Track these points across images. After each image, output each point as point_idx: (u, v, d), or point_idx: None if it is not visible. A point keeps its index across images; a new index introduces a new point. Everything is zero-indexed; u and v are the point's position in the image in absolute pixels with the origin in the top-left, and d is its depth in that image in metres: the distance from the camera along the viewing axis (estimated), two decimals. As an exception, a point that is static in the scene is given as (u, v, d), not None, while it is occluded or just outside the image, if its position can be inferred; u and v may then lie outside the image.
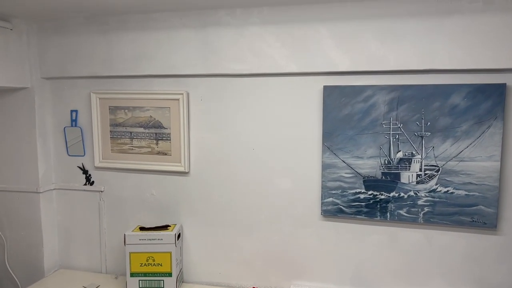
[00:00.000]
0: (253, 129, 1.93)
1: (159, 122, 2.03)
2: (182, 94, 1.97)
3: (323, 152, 1.85)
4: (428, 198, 1.75)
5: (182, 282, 2.06)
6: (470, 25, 1.62)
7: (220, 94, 1.95)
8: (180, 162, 2.01)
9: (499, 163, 1.65)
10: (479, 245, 1.72)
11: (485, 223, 1.69)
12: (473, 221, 1.70)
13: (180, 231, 2.03)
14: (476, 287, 1.74)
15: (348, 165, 1.83)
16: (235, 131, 1.95)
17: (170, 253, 1.93)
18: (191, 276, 2.08)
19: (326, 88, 1.81)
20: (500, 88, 1.63)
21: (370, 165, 1.80)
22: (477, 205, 1.70)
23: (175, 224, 2.03)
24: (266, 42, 1.83)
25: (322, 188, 1.87)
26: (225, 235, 2.02)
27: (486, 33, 1.61)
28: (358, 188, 1.83)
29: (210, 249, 2.05)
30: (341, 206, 1.85)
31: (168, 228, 1.99)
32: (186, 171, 2.02)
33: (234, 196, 1.99)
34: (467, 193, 1.70)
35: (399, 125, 1.75)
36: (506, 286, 1.71)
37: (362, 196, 1.83)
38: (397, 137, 1.76)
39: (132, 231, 1.97)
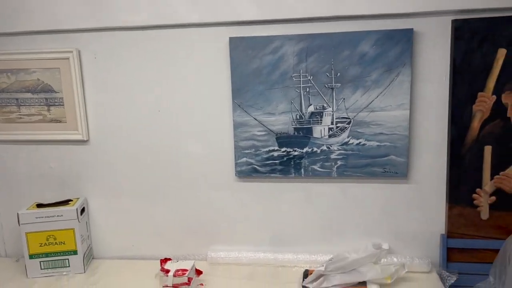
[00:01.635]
0: (157, 89, 1.76)
1: (49, 85, 1.78)
2: (72, 52, 1.73)
3: (234, 110, 1.73)
4: (341, 151, 1.70)
5: (92, 258, 1.90)
6: (376, -33, 1.54)
7: (116, 50, 1.74)
8: (77, 130, 1.80)
9: (408, 111, 1.63)
10: (392, 194, 1.72)
11: (396, 173, 1.68)
12: (385, 171, 1.69)
13: (84, 205, 1.85)
14: (390, 235, 1.75)
15: (260, 122, 1.72)
16: (137, 91, 1.77)
17: (73, 229, 1.75)
18: (102, 252, 1.93)
19: (232, 40, 1.67)
20: (408, 34, 1.57)
21: (282, 121, 1.71)
22: (389, 155, 1.68)
23: (78, 198, 1.84)
24: (162, -11, 1.64)
25: (235, 148, 1.76)
26: (135, 205, 1.87)
27: (392, -25, 1.54)
28: (271, 146, 1.74)
29: (120, 222, 1.89)
30: (255, 166, 1.77)
31: (69, 203, 1.80)
32: (85, 139, 1.81)
33: (141, 164, 1.83)
34: (378, 143, 1.67)
35: (309, 78, 1.66)
36: (418, 231, 1.74)
37: (275, 153, 1.75)
38: (307, 90, 1.68)
39: (27, 209, 1.76)
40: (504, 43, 1.53)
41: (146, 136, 1.80)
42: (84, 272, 1.79)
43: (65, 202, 1.81)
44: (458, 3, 1.53)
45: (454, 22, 1.55)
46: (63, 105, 1.79)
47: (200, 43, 1.70)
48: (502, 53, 1.54)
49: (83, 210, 1.82)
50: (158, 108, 1.77)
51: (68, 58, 1.74)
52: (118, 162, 1.84)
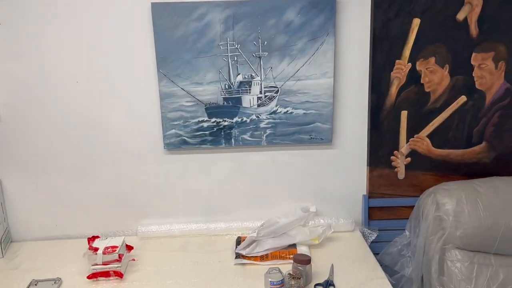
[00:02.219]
0: (74, 58, 1.63)
1: None
2: (-29, 16, 1.55)
3: (160, 80, 1.66)
4: (270, 120, 1.73)
5: (11, 242, 1.78)
6: None
7: (25, 14, 1.58)
8: (-16, 104, 1.64)
9: (332, 79, 1.68)
10: (318, 159, 1.79)
11: (322, 139, 1.75)
12: (311, 138, 1.75)
13: (-2, 186, 1.71)
14: (317, 198, 1.84)
15: (188, 92, 1.68)
16: (51, 60, 1.63)
17: (-13, 213, 1.62)
18: (22, 234, 1.80)
19: (155, 6, 1.58)
20: (331, 2, 1.60)
21: (211, 91, 1.69)
22: (314, 123, 1.74)
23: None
24: None
25: (162, 120, 1.71)
26: (57, 183, 1.76)
27: None
28: (200, 116, 1.71)
29: (40, 201, 1.77)
30: (184, 137, 1.73)
31: (-20, 184, 1.65)
32: (-6, 114, 1.66)
33: (61, 140, 1.71)
34: (305, 111, 1.72)
35: (236, 46, 1.64)
36: (342, 193, 1.84)
37: (205, 124, 1.72)
38: (235, 59, 1.66)
39: None
40: (419, 13, 1.63)
41: (64, 109, 1.68)
42: (3, 256, 1.67)
43: (-25, 184, 1.65)
44: (377, -27, 1.59)
45: (374, -8, 1.61)
46: (-36, 76, 1.60)
47: (121, 8, 1.59)
48: (416, 22, 1.64)
49: (-4, 191, 1.68)
50: (76, 78, 1.65)
51: (-33, 24, 1.55)
52: (35, 139, 1.70)
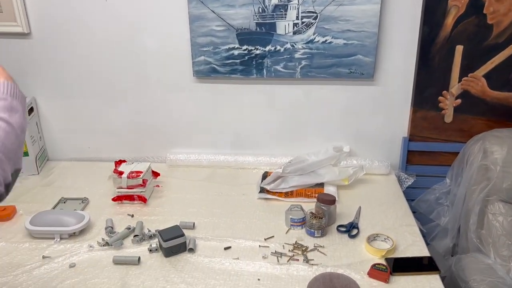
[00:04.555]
0: (102, -25, 1.56)
1: (-23, -32, 1.56)
2: None
3: (189, 1, 1.56)
4: (306, 50, 1.58)
5: (47, 160, 1.84)
6: None
7: None
8: (15, 21, 1.61)
9: (379, 5, 1.49)
10: (356, 96, 1.65)
11: (362, 74, 1.59)
12: (351, 72, 1.60)
13: (33, 105, 1.74)
14: (352, 138, 1.72)
15: (218, 15, 1.57)
16: (79, -23, 1.57)
17: (22, 130, 1.66)
18: (57, 154, 1.85)
19: None
20: None
21: (243, 15, 1.56)
22: (356, 55, 1.57)
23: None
24: None
25: (192, 45, 1.62)
26: (89, 106, 1.76)
27: None
28: (231, 43, 1.60)
29: (74, 123, 1.80)
30: (214, 65, 1.64)
31: None
32: (26, 32, 1.63)
33: (91, 61, 1.68)
34: (345, 42, 1.56)
35: (273, -36, 1.49)
36: (380, 134, 1.71)
37: (236, 52, 1.62)
38: (271, -22, 1.51)
39: (-31, 109, 1.65)
40: None
41: (94, 29, 1.63)
42: (38, 173, 1.74)
43: (10, 102, 1.68)
44: None
45: None
46: (-4, -8, 1.58)
47: None
48: None
49: (31, 110, 1.71)
50: (105, -2, 1.59)
51: None
52: (66, 58, 1.69)
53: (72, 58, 1.68)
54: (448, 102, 1.60)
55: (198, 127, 1.77)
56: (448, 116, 1.62)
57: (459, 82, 1.56)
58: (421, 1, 1.49)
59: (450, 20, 1.49)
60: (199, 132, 1.78)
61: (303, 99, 1.68)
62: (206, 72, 1.66)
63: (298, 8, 1.53)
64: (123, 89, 1.72)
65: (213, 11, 1.56)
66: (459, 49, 1.52)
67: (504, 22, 1.46)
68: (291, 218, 1.36)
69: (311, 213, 1.36)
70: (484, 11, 1.46)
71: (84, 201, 1.53)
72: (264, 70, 1.64)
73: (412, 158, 1.70)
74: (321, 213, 1.35)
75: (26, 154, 1.69)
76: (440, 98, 1.60)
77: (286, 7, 1.54)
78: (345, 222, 1.39)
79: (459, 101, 1.59)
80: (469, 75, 1.55)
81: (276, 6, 1.54)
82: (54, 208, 1.50)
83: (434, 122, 1.63)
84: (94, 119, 1.79)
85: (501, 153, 1.43)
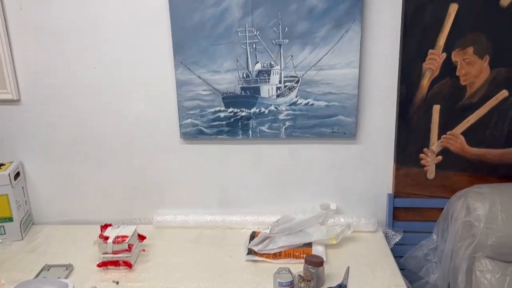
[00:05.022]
0: (92, 43, 1.61)
1: (-30, 39, 1.61)
2: (-7, 2, 1.56)
3: (176, 67, 1.61)
4: (289, 111, 1.64)
5: (32, 224, 1.82)
6: None
7: (45, 0, 1.58)
8: (5, 89, 1.65)
9: (357, 69, 1.57)
10: (340, 154, 1.69)
11: (345, 133, 1.64)
12: (334, 131, 1.65)
13: (19, 169, 1.73)
14: (338, 195, 1.74)
15: (205, 81, 1.63)
16: (69, 47, 1.62)
17: (7, 195, 1.65)
18: (43, 217, 1.83)
19: (172, -9, 1.54)
20: (358, -13, 1.49)
21: (228, 80, 1.62)
22: (337, 116, 1.63)
23: (11, 162, 1.72)
24: None
25: (179, 108, 1.66)
26: (76, 169, 1.77)
27: None
28: (217, 106, 1.66)
29: (60, 186, 1.79)
30: (201, 127, 1.68)
31: (1, 167, 1.68)
32: (15, 98, 1.67)
33: (79, 124, 1.71)
34: (327, 103, 1.62)
35: (255, 33, 1.56)
36: (365, 192, 1.73)
37: (222, 114, 1.66)
38: (254, 46, 1.58)
39: (-45, 175, 1.65)
40: (456, -2, 1.47)
41: (83, 94, 1.67)
42: (22, 239, 1.71)
43: (-3, 167, 1.69)
44: (410, -47, 1.44)
45: (406, -26, 1.47)
46: (-13, 61, 1.63)
47: (137, -7, 1.56)
48: (453, 8, 1.48)
49: (17, 174, 1.71)
50: (94, 64, 1.64)
51: (-11, 9, 1.57)
52: (54, 123, 1.71)
53: (60, 122, 1.71)
54: (430, 159, 1.64)
55: (185, 188, 1.78)
56: (431, 173, 1.66)
57: (438, 139, 1.62)
58: (397, 64, 1.57)
59: (425, 82, 1.56)
60: (186, 193, 1.78)
61: (288, 158, 1.71)
62: (193, 134, 1.69)
63: (280, 73, 1.60)
64: (110, 152, 1.74)
65: (199, 77, 1.62)
66: (436, 108, 1.59)
67: (476, 84, 1.54)
68: (279, 282, 1.34)
69: (299, 276, 1.35)
70: (457, 74, 1.54)
71: (69, 267, 1.50)
72: (250, 131, 1.68)
73: (398, 214, 1.72)
74: (309, 276, 1.34)
75: (10, 219, 1.68)
76: (422, 155, 1.64)
77: (269, 72, 1.60)
78: (334, 284, 1.38)
79: (440, 158, 1.64)
80: (447, 133, 1.61)
81: (259, 71, 1.60)
82: (37, 276, 1.46)
83: (417, 179, 1.67)
84: (81, 181, 1.79)
85: (483, 209, 1.46)
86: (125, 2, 1.56)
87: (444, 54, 1.52)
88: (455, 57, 1.52)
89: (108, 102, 1.68)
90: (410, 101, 1.58)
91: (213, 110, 1.66)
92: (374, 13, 1.52)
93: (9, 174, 1.64)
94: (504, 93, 1.54)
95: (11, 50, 1.62)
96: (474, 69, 1.52)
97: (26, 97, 1.68)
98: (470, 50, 1.51)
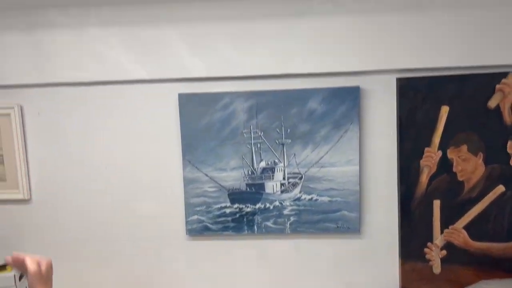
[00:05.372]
0: (104, 145, 1.70)
1: (-12, 142, 1.70)
2: (13, 108, 1.66)
3: (184, 166, 1.68)
4: (293, 207, 1.68)
5: (33, 326, 1.77)
6: (322, 28, 1.57)
7: (62, 106, 1.68)
8: (17, 189, 1.70)
9: (357, 167, 1.63)
10: (345, 249, 1.70)
11: (349, 228, 1.67)
12: (338, 226, 1.67)
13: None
14: (345, 292, 1.73)
15: (212, 178, 1.69)
16: (82, 148, 1.70)
17: (11, 297, 1.64)
18: (44, 318, 1.80)
19: (181, 96, 1.64)
20: (355, 92, 1.60)
21: (234, 177, 1.68)
22: (341, 211, 1.67)
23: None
24: (109, 45, 1.61)
25: (185, 205, 1.70)
26: (83, 268, 1.76)
27: (337, 35, 1.57)
28: (223, 202, 1.70)
29: (67, 284, 1.78)
30: (207, 224, 1.71)
31: (7, 268, 1.68)
32: (27, 198, 1.72)
33: (88, 223, 1.74)
34: (330, 199, 1.66)
35: (260, 133, 1.65)
36: (370, 286, 1.71)
37: (228, 210, 1.70)
38: (258, 146, 1.66)
39: (-40, 276, 1.64)
40: (446, 101, 1.58)
41: (92, 194, 1.72)
42: None
43: (2, 267, 1.69)
44: (400, 62, 1.57)
45: (399, 80, 1.59)
46: (3, 163, 1.70)
47: (148, 99, 1.67)
48: (445, 110, 1.58)
49: (22, 275, 1.70)
50: (105, 164, 1.71)
51: (9, 114, 1.67)
52: (63, 222, 1.74)
53: (67, 221, 1.74)
54: (434, 254, 1.65)
55: (190, 283, 1.76)
56: (436, 267, 1.66)
57: (441, 234, 1.64)
58: (396, 161, 1.64)
59: (424, 178, 1.62)
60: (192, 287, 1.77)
61: (293, 253, 1.72)
62: (199, 230, 1.71)
63: (284, 170, 1.67)
64: (117, 249, 1.75)
65: (206, 175, 1.68)
66: (437, 203, 1.63)
67: (473, 179, 1.60)
68: None
69: None
70: (454, 170, 1.60)
71: None
72: (255, 227, 1.70)
73: (407, 310, 1.69)
74: None
75: (11, 322, 1.64)
76: (426, 249, 1.65)
77: (273, 169, 1.67)
78: None
79: (444, 252, 1.64)
80: (450, 227, 1.63)
81: (264, 169, 1.67)
82: None
83: (423, 274, 1.66)
84: (88, 279, 1.77)
85: (493, 308, 1.44)
86: (138, 109, 1.67)
87: (440, 152, 1.60)
88: (451, 154, 1.60)
89: (118, 201, 1.72)
90: (411, 196, 1.63)
91: (219, 206, 1.70)
92: (371, 115, 1.62)
93: (14, 276, 1.63)
94: (501, 188, 1.59)
95: (26, 152, 1.70)
96: (469, 166, 1.59)
97: (37, 197, 1.73)
98: (464, 148, 1.59)
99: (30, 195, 1.72)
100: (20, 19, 1.61)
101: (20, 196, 1.71)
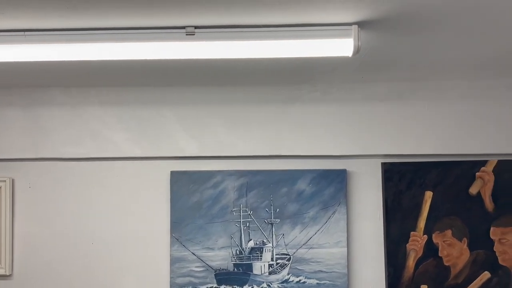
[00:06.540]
0: (92, 221, 1.69)
1: (-25, 215, 1.68)
2: (5, 181, 1.67)
3: (172, 244, 1.67)
4: (281, 289, 1.66)
5: None
6: (311, 113, 1.66)
7: (54, 180, 1.70)
8: (0, 264, 1.66)
9: (345, 249, 1.64)
10: (334, 335, 1.66)
11: (337, 312, 1.64)
12: (326, 311, 1.65)
13: None
14: None
15: (199, 257, 1.67)
16: (70, 223, 1.69)
17: None
18: None
19: (173, 174, 1.68)
20: (341, 174, 1.66)
21: (222, 257, 1.67)
22: (329, 294, 1.65)
23: None
24: (105, 124, 1.67)
25: (170, 286, 1.66)
26: None
27: (325, 121, 1.66)
28: (209, 283, 1.67)
29: None
30: (192, 305, 1.67)
31: None
32: (8, 273, 1.66)
33: (68, 301, 1.69)
34: (318, 281, 1.65)
35: (249, 212, 1.67)
36: None
37: (214, 291, 1.67)
38: (247, 224, 1.67)
39: None
40: (430, 186, 1.64)
41: (76, 270, 1.68)
42: None
43: None
44: (384, 148, 1.65)
45: (383, 165, 1.66)
46: (-13, 236, 1.67)
47: (141, 175, 1.69)
48: (429, 195, 1.64)
49: None
50: (92, 240, 1.69)
51: (0, 187, 1.67)
52: (42, 299, 1.69)
53: (48, 298, 1.69)
54: None
55: None
56: None
57: (430, 320, 1.62)
58: (383, 244, 1.65)
59: (411, 262, 1.63)
60: None
61: (280, 338, 1.67)
62: (183, 312, 1.67)
63: (272, 251, 1.66)
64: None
65: (193, 254, 1.66)
66: (424, 289, 1.63)
67: (459, 265, 1.61)
68: None
69: None
70: (440, 254, 1.62)
71: None
72: (242, 309, 1.66)
73: None
74: None
75: None
76: (416, 337, 1.62)
77: (261, 249, 1.67)
78: None
79: None
80: (438, 314, 1.62)
81: (252, 248, 1.67)
82: None
83: None
84: None
85: None
86: (129, 185, 1.69)
87: (426, 236, 1.63)
88: (436, 239, 1.63)
89: (101, 278, 1.68)
90: (398, 280, 1.63)
91: (205, 287, 1.67)
92: (357, 197, 1.67)
93: None
94: (486, 275, 1.60)
95: (12, 226, 1.68)
96: (455, 251, 1.62)
97: (19, 272, 1.68)
98: (449, 233, 1.62)
99: (12, 271, 1.67)
100: (22, 96, 1.68)
101: (1, 271, 1.65)
